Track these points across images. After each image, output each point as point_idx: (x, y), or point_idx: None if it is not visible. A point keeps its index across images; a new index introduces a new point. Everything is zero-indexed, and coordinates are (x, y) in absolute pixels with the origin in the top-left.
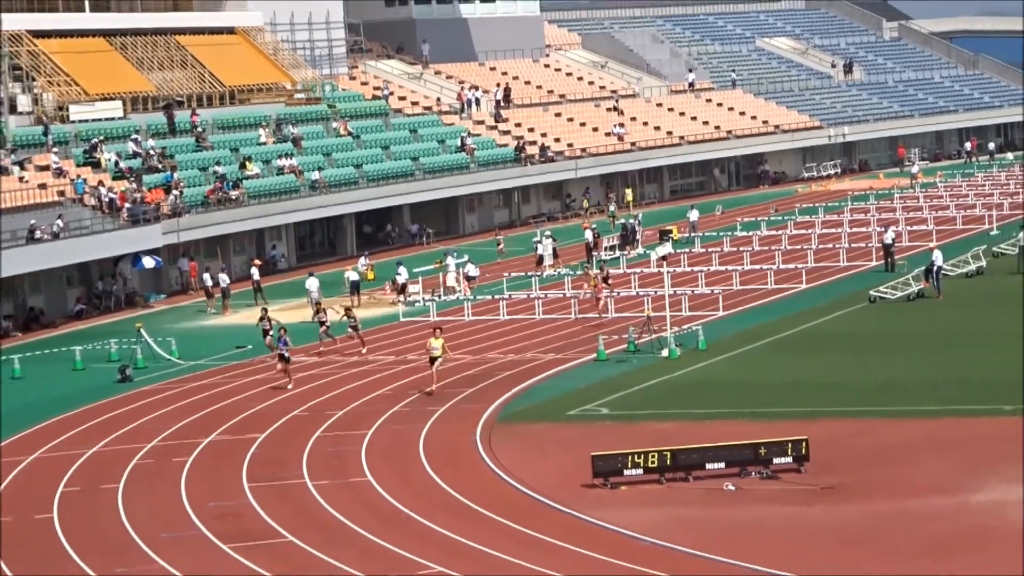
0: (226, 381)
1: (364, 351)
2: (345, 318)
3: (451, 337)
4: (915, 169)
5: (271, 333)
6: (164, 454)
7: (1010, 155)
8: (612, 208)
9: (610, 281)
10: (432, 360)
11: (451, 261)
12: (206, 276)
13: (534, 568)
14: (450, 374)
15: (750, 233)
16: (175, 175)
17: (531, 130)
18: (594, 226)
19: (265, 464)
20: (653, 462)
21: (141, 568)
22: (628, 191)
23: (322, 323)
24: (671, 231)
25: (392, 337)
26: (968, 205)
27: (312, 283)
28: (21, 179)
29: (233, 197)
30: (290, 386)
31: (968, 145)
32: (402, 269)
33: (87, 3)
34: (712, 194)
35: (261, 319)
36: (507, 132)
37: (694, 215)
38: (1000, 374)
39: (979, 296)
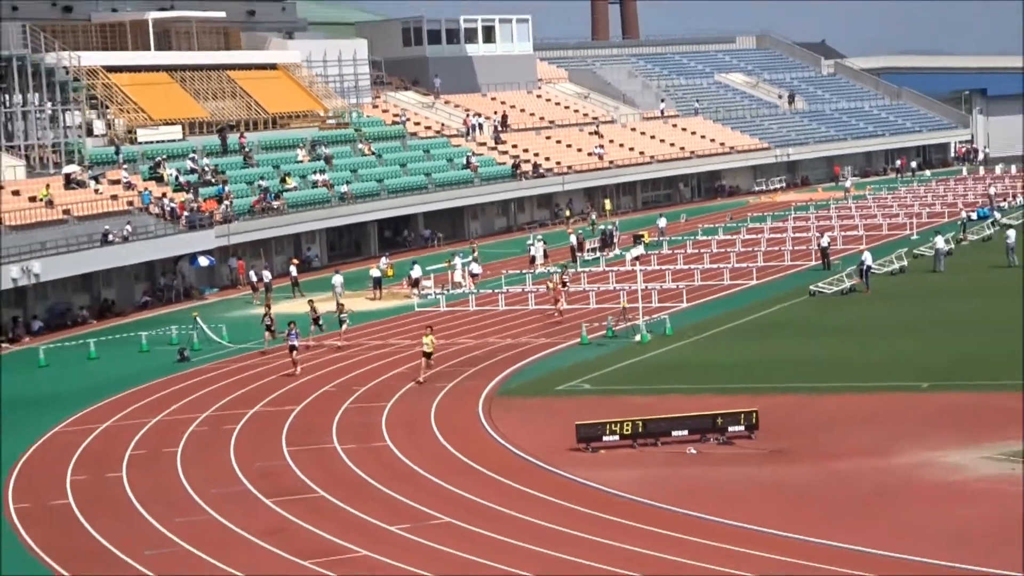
0: (268, 362)
1: (340, 343)
2: (339, 314)
3: (457, 325)
4: (848, 184)
5: (273, 328)
6: (216, 423)
7: (928, 172)
8: (593, 216)
9: (567, 285)
10: (425, 355)
11: (458, 261)
12: (252, 273)
13: (527, 519)
14: (456, 356)
15: (709, 238)
16: (226, 188)
17: (525, 151)
18: (579, 231)
19: (301, 431)
20: (627, 430)
21: (196, 518)
22: (607, 202)
23: (315, 320)
24: (643, 236)
25: (408, 324)
26: (893, 214)
27: (337, 279)
28: (96, 191)
29: (275, 207)
30: (297, 371)
31: (899, 163)
32: (416, 267)
33: (152, 43)
34: (678, 204)
35: (265, 315)
36: (505, 152)
37: (662, 222)
38: (919, 357)
39: (902, 291)
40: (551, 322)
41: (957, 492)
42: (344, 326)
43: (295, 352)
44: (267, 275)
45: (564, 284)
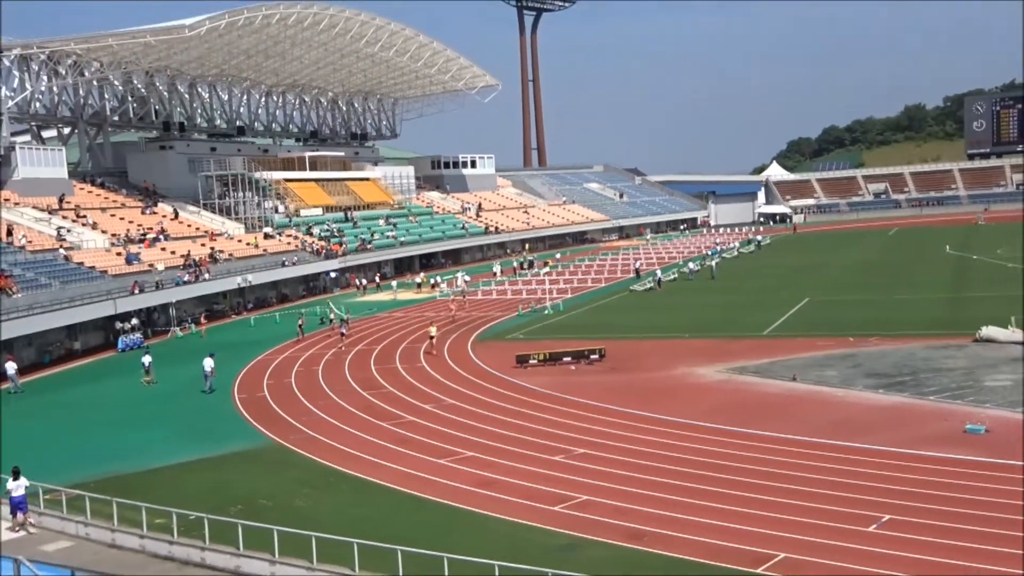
0: (366, 324)
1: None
2: (347, 316)
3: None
4: (648, 235)
5: (301, 325)
6: (339, 355)
7: (687, 232)
8: (524, 253)
9: (466, 302)
10: (431, 338)
11: (460, 274)
12: (356, 280)
13: (492, 401)
14: (455, 321)
15: (580, 263)
16: (343, 239)
17: (491, 221)
18: (520, 260)
19: (381, 358)
20: (542, 357)
21: (326, 402)
22: (527, 246)
23: (330, 321)
24: (549, 262)
25: (430, 306)
26: (671, 251)
27: (394, 284)
28: (279, 240)
29: (368, 248)
30: (343, 347)
31: (683, 226)
32: (438, 277)
33: (308, 166)
34: (566, 246)
35: (299, 323)
36: (482, 221)
37: (558, 255)
38: (684, 320)
39: (678, 289)
40: (449, 320)
41: (704, 387)
42: (345, 327)
43: (344, 336)
44: (364, 281)
45: (462, 296)
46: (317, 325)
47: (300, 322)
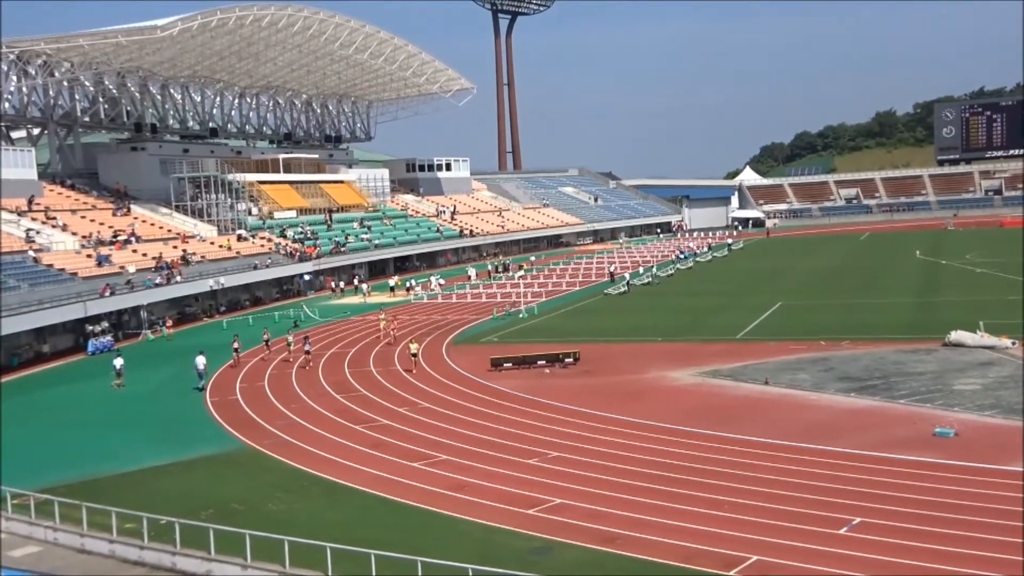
0: (340, 327)
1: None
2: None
3: (432, 309)
4: (622, 240)
5: (237, 348)
6: (313, 358)
7: (661, 235)
8: (500, 256)
9: (394, 320)
10: (413, 355)
11: (433, 278)
12: (331, 283)
13: (466, 404)
14: (430, 324)
15: (555, 266)
16: (318, 241)
17: (466, 224)
18: (496, 263)
19: (355, 362)
20: (516, 360)
21: (300, 405)
22: (498, 250)
23: (266, 341)
24: (523, 265)
25: (405, 310)
26: (644, 255)
27: (364, 287)
28: (252, 242)
29: (342, 250)
30: (310, 365)
31: (658, 231)
32: (413, 281)
33: (281, 169)
34: (541, 250)
35: (234, 345)
36: (456, 224)
37: (533, 258)
38: (657, 324)
39: (649, 292)
40: (384, 342)
41: (678, 390)
42: (308, 343)
43: (308, 354)
44: (341, 284)
45: (393, 319)
46: (262, 340)
47: (235, 344)
